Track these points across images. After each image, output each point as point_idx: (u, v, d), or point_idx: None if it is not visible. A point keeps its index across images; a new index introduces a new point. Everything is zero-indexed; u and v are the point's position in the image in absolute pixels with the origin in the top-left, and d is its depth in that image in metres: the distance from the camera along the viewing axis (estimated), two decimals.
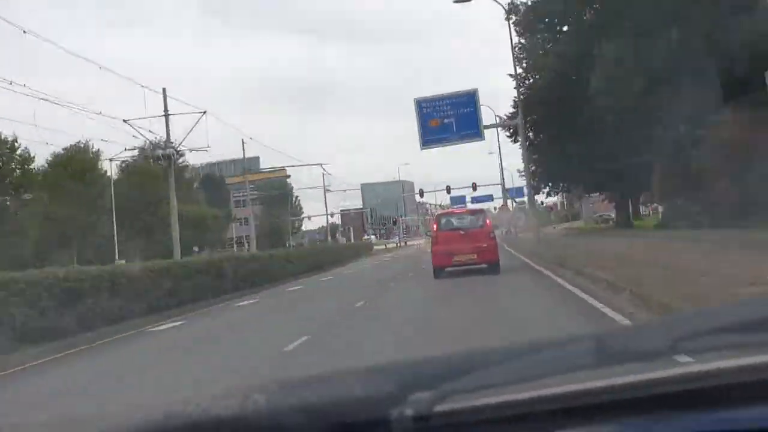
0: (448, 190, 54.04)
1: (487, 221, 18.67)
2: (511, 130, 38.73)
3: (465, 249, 16.88)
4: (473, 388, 0.87)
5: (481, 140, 31.18)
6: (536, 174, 40.24)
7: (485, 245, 17.03)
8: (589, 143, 33.04)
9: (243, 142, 45.87)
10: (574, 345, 0.87)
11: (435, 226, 18.99)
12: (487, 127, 31.89)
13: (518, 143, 35.76)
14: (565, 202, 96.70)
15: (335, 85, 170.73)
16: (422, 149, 30.40)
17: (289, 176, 76.22)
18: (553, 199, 46.15)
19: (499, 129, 40.92)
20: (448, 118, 29.53)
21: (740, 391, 0.83)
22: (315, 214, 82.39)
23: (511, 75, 33.68)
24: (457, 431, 0.86)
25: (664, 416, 0.84)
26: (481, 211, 21.03)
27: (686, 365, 0.85)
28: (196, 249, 46.68)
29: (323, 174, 63.76)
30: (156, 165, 37.71)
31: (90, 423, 1.07)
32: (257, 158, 71.51)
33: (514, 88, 33.72)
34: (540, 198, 49.90)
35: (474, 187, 51.09)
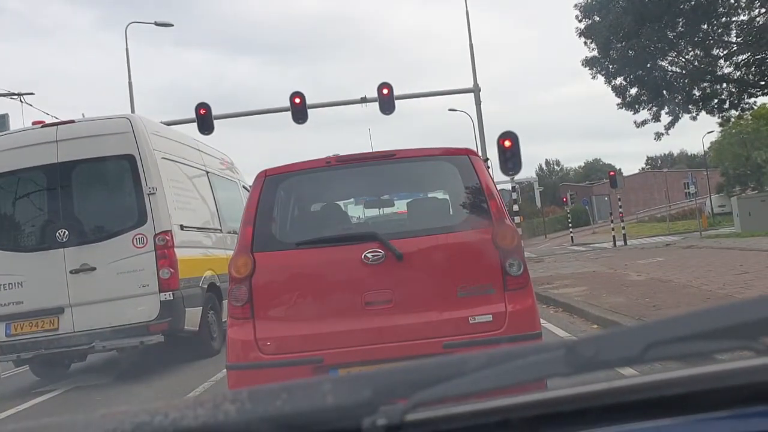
0: None
1: (492, 198, 4.07)
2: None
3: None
4: (447, 396, 0.87)
5: None
6: (626, 89, 26.62)
7: (500, 328, 3.89)
8: None
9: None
10: (547, 353, 0.88)
11: (246, 232, 4.06)
12: None
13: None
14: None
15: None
16: None
17: None
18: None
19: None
20: None
21: (709, 398, 0.84)
22: None
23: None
24: None
25: (635, 424, 0.85)
26: (464, 153, 4.19)
27: (655, 373, 0.86)
28: None
29: None
30: None
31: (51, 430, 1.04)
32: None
33: None
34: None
35: None
